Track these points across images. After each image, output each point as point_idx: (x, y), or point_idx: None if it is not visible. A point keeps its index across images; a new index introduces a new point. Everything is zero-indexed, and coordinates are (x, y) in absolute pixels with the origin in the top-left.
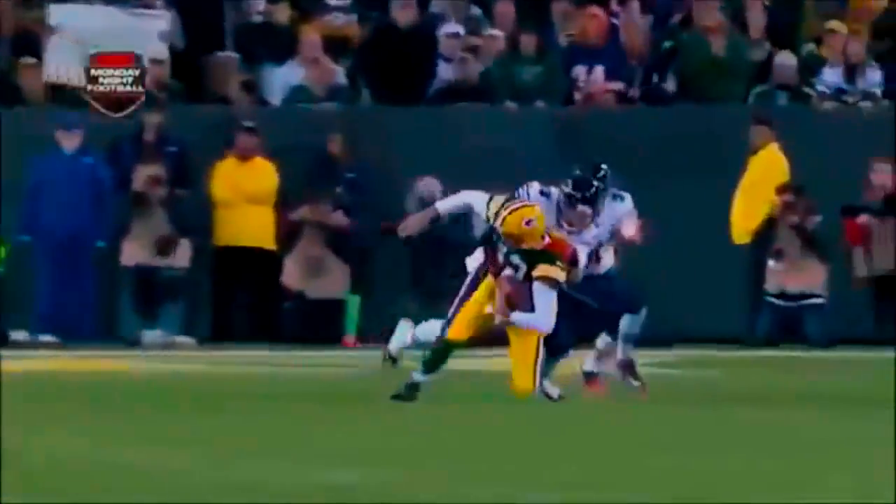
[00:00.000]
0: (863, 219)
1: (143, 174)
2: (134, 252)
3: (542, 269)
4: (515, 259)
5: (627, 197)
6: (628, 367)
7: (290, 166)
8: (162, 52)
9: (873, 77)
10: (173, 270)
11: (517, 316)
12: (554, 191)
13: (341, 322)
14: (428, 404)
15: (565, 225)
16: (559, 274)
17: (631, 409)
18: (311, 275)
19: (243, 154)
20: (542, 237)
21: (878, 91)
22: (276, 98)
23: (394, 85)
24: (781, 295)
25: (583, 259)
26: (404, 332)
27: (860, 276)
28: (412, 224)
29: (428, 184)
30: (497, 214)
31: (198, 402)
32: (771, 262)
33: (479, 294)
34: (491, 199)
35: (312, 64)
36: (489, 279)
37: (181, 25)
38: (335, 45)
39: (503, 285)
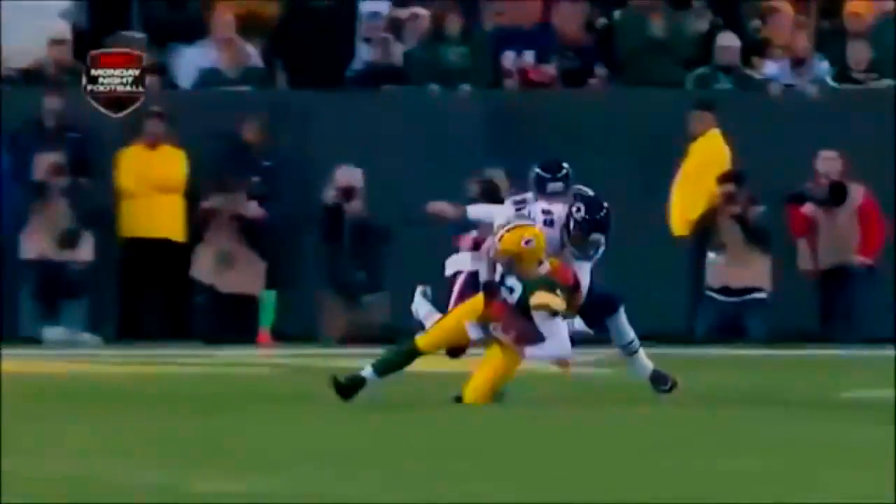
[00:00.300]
0: (807, 208)
1: (44, 162)
2: (34, 245)
3: (539, 297)
4: (511, 281)
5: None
6: (655, 378)
7: (202, 154)
8: (64, 31)
9: (820, 68)
10: (76, 264)
11: (534, 352)
12: (557, 212)
13: (256, 318)
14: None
15: (570, 247)
16: (557, 303)
17: (568, 410)
18: (224, 268)
19: (151, 141)
20: (541, 261)
21: (826, 78)
22: (186, 81)
23: (312, 67)
24: (723, 290)
25: (585, 281)
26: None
27: (805, 270)
28: (442, 208)
29: (348, 172)
30: (496, 233)
31: (100, 405)
32: (712, 256)
33: (462, 310)
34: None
35: (225, 45)
36: (478, 299)
37: (85, 3)
38: (249, 25)
39: (509, 326)
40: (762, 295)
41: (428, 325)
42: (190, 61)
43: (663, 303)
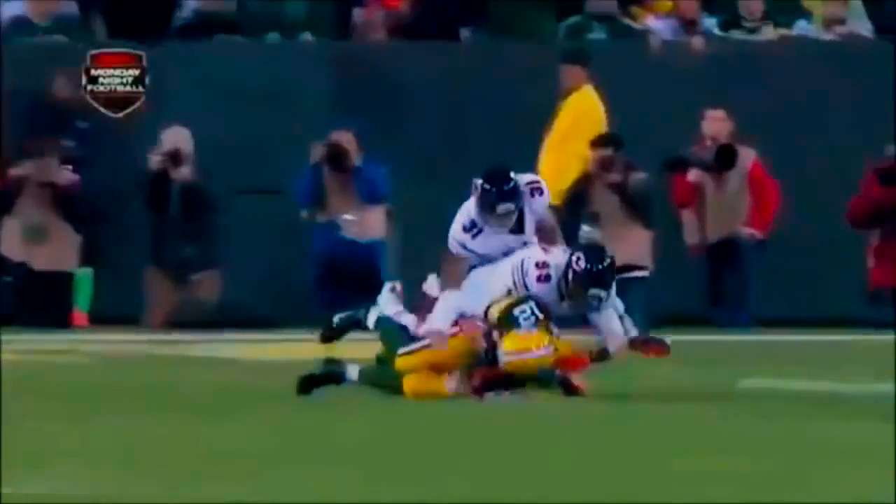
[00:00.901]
0: (692, 175)
1: None
2: None
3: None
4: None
5: (545, 191)
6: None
7: (8, 113)
8: None
9: (708, 24)
10: None
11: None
12: (555, 263)
13: (71, 298)
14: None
15: (568, 302)
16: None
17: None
18: (35, 243)
19: None
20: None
21: (714, 29)
22: None
23: (133, 16)
24: None
25: (615, 326)
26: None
27: (691, 244)
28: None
29: (175, 134)
30: (491, 321)
31: None
32: (585, 228)
33: (449, 352)
34: (491, 304)
35: None
36: (464, 339)
37: None
38: None
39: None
40: (642, 273)
41: (402, 320)
42: None
43: None
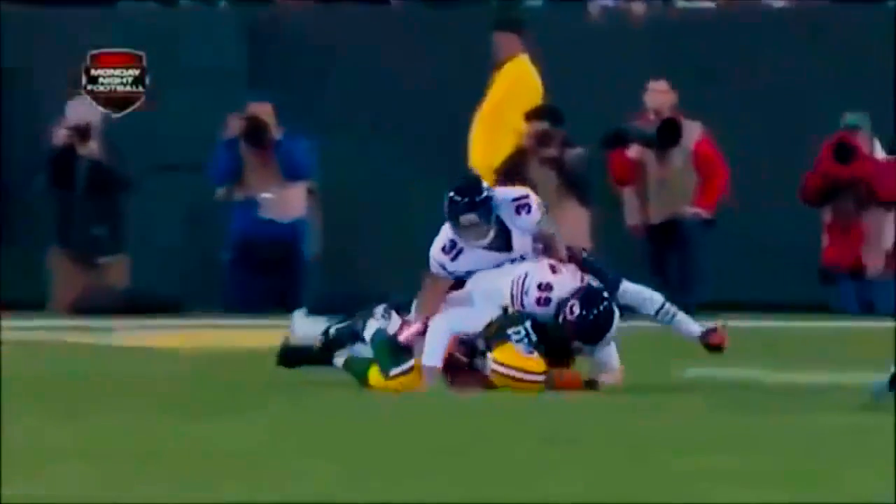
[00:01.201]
0: (633, 151)
1: None
2: None
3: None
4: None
5: (534, 207)
6: None
7: None
8: None
9: None
10: None
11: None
12: (558, 289)
13: None
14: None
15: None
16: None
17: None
18: None
19: None
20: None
21: None
22: None
23: None
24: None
25: (614, 360)
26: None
27: (632, 224)
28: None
29: (81, 107)
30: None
31: None
32: None
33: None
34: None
35: None
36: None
37: None
38: None
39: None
40: (582, 255)
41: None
42: None
43: None
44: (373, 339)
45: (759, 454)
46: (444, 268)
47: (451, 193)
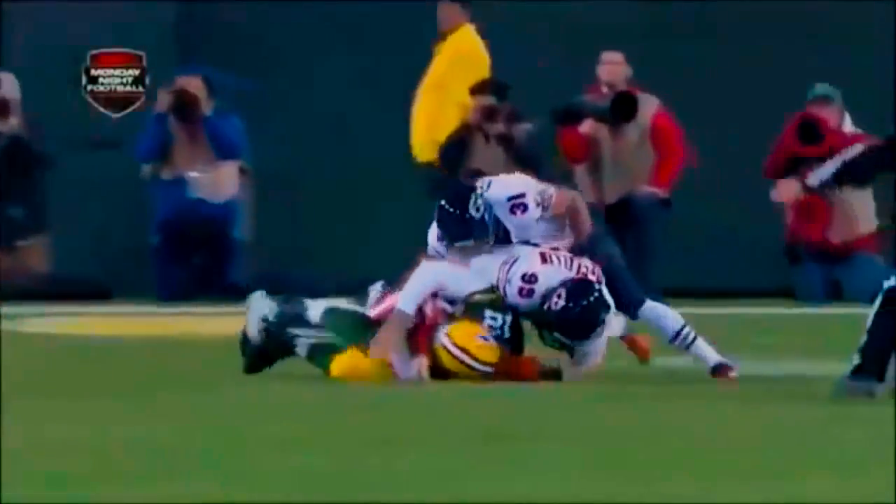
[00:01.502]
0: (586, 127)
1: None
2: None
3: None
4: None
5: (530, 206)
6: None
7: None
8: None
9: None
10: None
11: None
12: (542, 279)
13: None
14: None
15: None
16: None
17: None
18: None
19: None
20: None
21: None
22: None
23: None
24: None
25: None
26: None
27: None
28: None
29: (1, 80)
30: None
31: None
32: None
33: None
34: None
35: None
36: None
37: None
38: None
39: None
40: None
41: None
42: None
43: (402, 248)
44: (327, 319)
45: (713, 448)
46: (439, 253)
47: (446, 205)
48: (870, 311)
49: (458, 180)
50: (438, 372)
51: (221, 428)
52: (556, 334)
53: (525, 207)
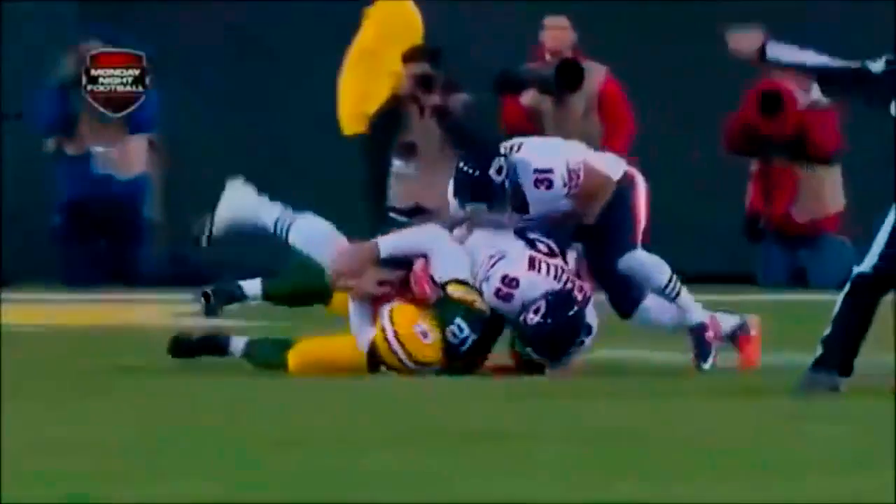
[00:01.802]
0: (528, 97)
1: None
2: None
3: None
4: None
5: (556, 183)
6: None
7: None
8: None
9: None
10: None
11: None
12: (523, 285)
13: None
14: None
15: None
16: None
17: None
18: None
19: None
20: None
21: None
22: None
23: None
24: (414, 212)
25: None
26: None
27: None
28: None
29: None
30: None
31: None
32: (397, 163)
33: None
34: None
35: None
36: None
37: None
38: None
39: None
40: None
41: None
42: None
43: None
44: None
45: (678, 446)
46: (457, 219)
47: (463, 166)
48: (837, 299)
49: (482, 141)
50: (373, 359)
51: (186, 426)
52: (529, 349)
53: (550, 184)
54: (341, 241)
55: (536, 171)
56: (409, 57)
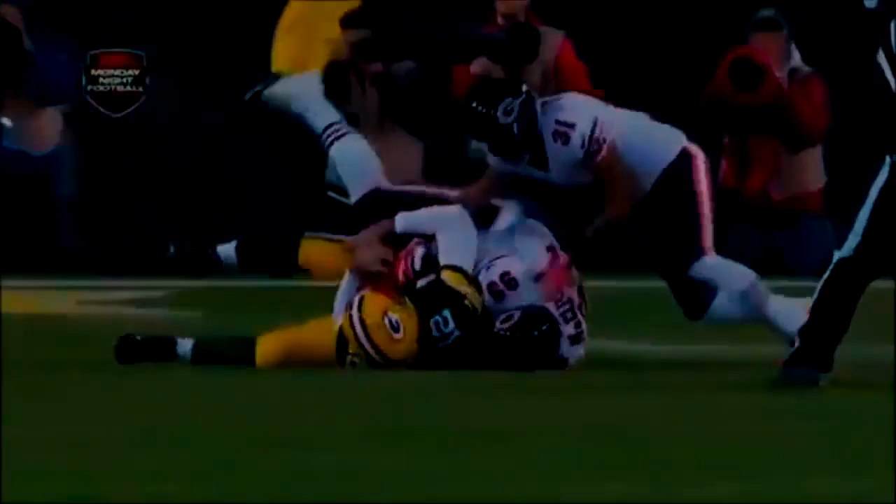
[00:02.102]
0: (479, 65)
1: None
2: None
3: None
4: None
5: (573, 139)
6: None
7: None
8: None
9: None
10: None
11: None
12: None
13: None
14: None
15: None
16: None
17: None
18: None
19: None
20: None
21: None
22: None
23: None
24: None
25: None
26: None
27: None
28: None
29: None
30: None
31: None
32: None
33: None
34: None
35: None
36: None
37: None
38: None
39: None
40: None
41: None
42: None
43: (258, 211)
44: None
45: (640, 442)
46: (496, 169)
47: (472, 101)
48: (816, 286)
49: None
50: (342, 346)
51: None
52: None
53: (567, 139)
54: (378, 173)
55: (558, 122)
56: (349, 22)
